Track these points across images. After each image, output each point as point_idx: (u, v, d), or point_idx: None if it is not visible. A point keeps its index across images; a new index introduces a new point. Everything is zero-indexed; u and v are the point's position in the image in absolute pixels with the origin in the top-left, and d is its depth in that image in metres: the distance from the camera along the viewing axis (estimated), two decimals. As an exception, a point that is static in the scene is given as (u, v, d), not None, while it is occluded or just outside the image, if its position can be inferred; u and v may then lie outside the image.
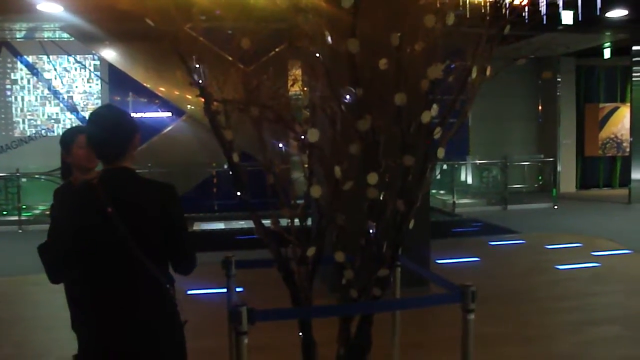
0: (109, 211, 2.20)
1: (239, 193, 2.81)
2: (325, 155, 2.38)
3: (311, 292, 2.88)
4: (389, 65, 2.37)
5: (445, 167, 14.33)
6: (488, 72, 2.75)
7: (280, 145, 2.89)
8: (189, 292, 6.67)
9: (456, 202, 13.43)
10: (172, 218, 2.31)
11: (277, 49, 3.74)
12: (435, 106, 2.43)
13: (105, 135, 2.32)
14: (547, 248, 8.89)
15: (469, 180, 15.81)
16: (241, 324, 2.36)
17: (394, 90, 2.31)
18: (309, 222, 2.82)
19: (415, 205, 2.52)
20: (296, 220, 2.78)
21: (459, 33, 2.66)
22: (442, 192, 14.67)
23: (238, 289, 5.97)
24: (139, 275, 2.28)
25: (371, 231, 2.56)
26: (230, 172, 2.85)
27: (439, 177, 15.00)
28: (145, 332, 2.30)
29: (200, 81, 2.85)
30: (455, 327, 2.76)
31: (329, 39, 2.18)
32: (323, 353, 2.92)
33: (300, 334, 2.91)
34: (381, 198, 2.51)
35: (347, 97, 2.24)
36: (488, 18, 2.81)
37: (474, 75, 2.47)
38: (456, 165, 14.64)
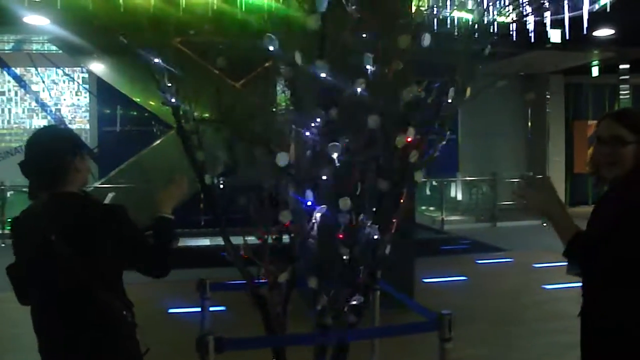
0: (52, 239, 2.10)
1: (207, 215, 2.73)
2: (296, 179, 2.30)
3: (286, 317, 2.79)
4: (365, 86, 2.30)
5: (434, 183, 14.30)
6: (468, 92, 2.70)
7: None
8: (170, 310, 6.57)
9: (445, 218, 13.37)
10: (121, 237, 2.21)
11: (265, 65, 3.68)
12: (411, 129, 2.36)
13: (36, 164, 2.22)
14: (535, 267, 8.82)
15: (459, 197, 15.77)
16: (208, 353, 2.27)
17: (368, 112, 2.24)
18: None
19: (390, 231, 2.44)
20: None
21: (440, 51, 2.60)
22: (431, 208, 14.61)
23: (220, 309, 5.91)
24: (85, 304, 2.17)
25: (345, 257, 2.47)
26: (202, 194, 2.77)
27: (428, 193, 14.99)
28: None
29: (173, 100, 2.78)
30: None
31: (299, 59, 2.10)
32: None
33: (274, 360, 2.82)
34: (355, 223, 2.42)
35: (318, 119, 2.17)
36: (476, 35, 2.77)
37: (450, 96, 2.40)
38: (445, 182, 14.60)
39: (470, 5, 3.28)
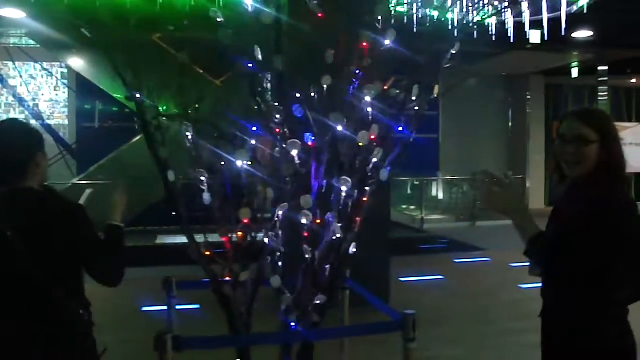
0: (8, 235, 2.05)
1: (173, 213, 2.69)
2: (257, 176, 2.26)
3: (251, 317, 2.75)
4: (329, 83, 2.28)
5: (416, 182, 14.34)
6: (435, 90, 2.68)
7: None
8: (144, 309, 6.50)
9: (425, 217, 13.40)
10: (79, 237, 2.17)
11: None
12: (375, 126, 2.33)
13: None
14: (512, 266, 8.85)
15: (439, 196, 15.82)
16: (166, 352, 2.23)
17: (331, 109, 2.21)
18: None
19: (353, 229, 2.42)
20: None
21: (407, 49, 2.58)
22: (411, 207, 14.65)
23: (194, 307, 5.85)
24: (40, 301, 2.13)
25: (308, 256, 2.44)
26: (166, 192, 2.72)
27: (409, 192, 15.03)
28: None
29: (138, 95, 2.73)
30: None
31: (259, 54, 2.07)
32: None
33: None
34: (318, 222, 2.39)
35: (277, 116, 2.13)
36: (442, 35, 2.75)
37: (414, 93, 2.38)
38: (426, 181, 14.64)
39: (448, 4, 3.26)
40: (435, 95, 2.67)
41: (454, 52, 2.72)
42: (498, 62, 13.82)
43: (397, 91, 2.43)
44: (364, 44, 2.19)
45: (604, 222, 1.98)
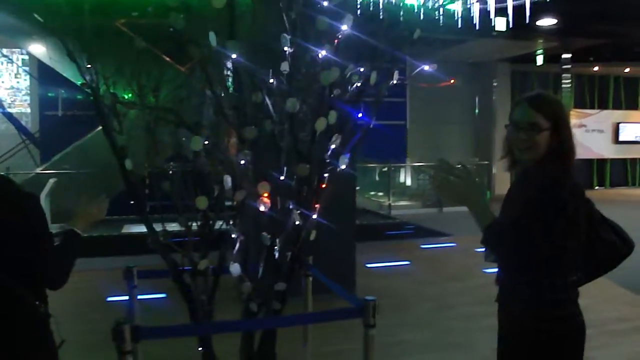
0: None
1: (132, 202, 2.66)
2: (212, 163, 2.24)
3: (212, 306, 2.74)
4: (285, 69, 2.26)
5: (384, 169, 14.40)
6: (395, 76, 2.68)
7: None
8: (109, 299, 6.42)
9: (392, 204, 13.49)
10: (28, 229, 2.12)
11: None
12: (333, 112, 2.32)
13: None
14: (477, 251, 8.96)
15: (407, 183, 15.95)
16: (124, 342, 2.20)
17: (288, 96, 2.19)
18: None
19: (312, 216, 2.41)
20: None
21: (363, 37, 2.58)
22: (379, 194, 14.72)
23: (160, 295, 5.80)
24: None
25: (267, 244, 2.43)
26: (124, 180, 2.68)
27: (377, 179, 15.10)
28: (2, 353, 2.11)
29: (92, 81, 2.68)
30: (381, 335, 2.64)
31: (214, 40, 2.04)
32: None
33: (200, 349, 2.77)
34: (277, 208, 2.39)
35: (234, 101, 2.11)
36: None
37: (372, 79, 2.37)
38: (393, 168, 14.72)
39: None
40: (395, 82, 2.67)
41: (415, 37, 2.73)
42: (464, 49, 13.93)
43: (357, 77, 2.42)
44: (321, 29, 2.17)
45: (555, 207, 2.01)
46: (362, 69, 2.56)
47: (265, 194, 2.24)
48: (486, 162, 15.88)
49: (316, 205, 2.42)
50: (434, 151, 15.82)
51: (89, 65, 2.64)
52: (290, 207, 2.40)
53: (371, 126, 2.59)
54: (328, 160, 2.38)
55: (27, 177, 12.05)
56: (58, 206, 9.93)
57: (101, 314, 5.93)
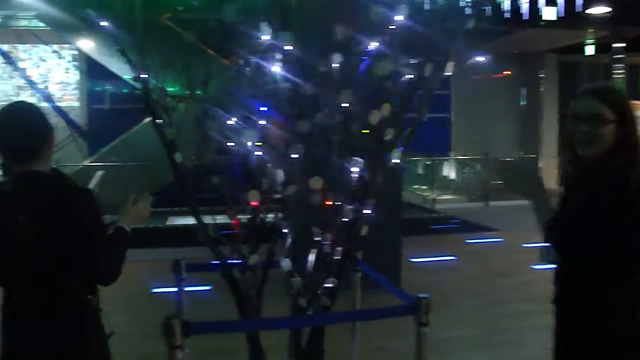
0: (20, 219, 2.01)
1: (181, 194, 2.65)
2: (265, 157, 2.21)
3: (260, 300, 2.72)
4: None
5: (427, 162, 14.23)
6: (450, 68, 2.60)
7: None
8: (155, 290, 6.51)
9: (437, 198, 13.31)
10: (85, 225, 2.12)
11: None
12: (386, 105, 2.26)
13: (14, 135, 2.12)
14: (525, 247, 8.77)
15: (451, 176, 15.70)
16: (174, 337, 2.20)
17: (342, 88, 2.14)
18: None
19: (364, 212, 2.36)
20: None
21: (417, 28, 2.51)
22: (423, 187, 14.55)
23: (206, 288, 5.84)
24: (50, 286, 2.10)
25: (318, 239, 2.39)
26: (174, 173, 2.68)
27: (420, 172, 14.92)
28: (57, 346, 2.13)
29: (144, 76, 2.68)
30: None
31: (266, 32, 2.00)
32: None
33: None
34: (329, 204, 2.34)
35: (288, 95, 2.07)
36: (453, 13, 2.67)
37: (427, 71, 2.30)
38: (437, 161, 14.52)
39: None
40: (449, 73, 2.59)
41: (467, 29, 2.65)
42: (511, 40, 13.59)
43: (409, 69, 2.35)
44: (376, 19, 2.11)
45: (622, 203, 1.91)
46: (412, 61, 2.49)
47: (318, 189, 2.20)
48: (532, 156, 15.51)
49: (369, 200, 2.36)
50: (479, 144, 15.54)
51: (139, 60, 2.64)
52: (342, 202, 2.35)
53: (425, 119, 2.52)
54: (381, 154, 2.32)
55: (75, 169, 12.33)
56: (104, 196, 10.14)
57: (147, 305, 6.01)
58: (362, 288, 3.72)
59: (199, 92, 2.69)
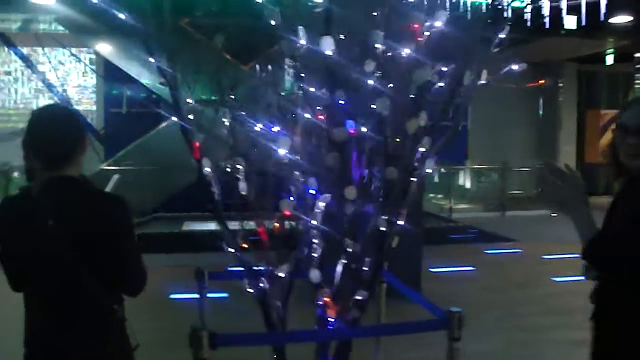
0: (49, 224, 1.96)
1: (208, 201, 2.60)
2: (299, 165, 2.15)
3: (286, 311, 2.65)
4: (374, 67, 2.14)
5: (443, 170, 14.11)
6: (484, 77, 2.53)
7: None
8: (172, 296, 6.46)
9: (453, 207, 13.20)
10: (117, 233, 2.07)
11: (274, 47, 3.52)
12: (423, 114, 2.20)
13: (49, 138, 2.07)
14: (544, 258, 8.66)
15: (467, 185, 15.57)
16: (201, 350, 2.14)
17: (377, 96, 2.08)
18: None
19: (398, 223, 2.29)
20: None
21: (453, 35, 2.44)
22: (439, 196, 14.43)
23: (222, 295, 5.79)
24: (77, 295, 2.05)
25: (350, 250, 2.32)
26: (199, 180, 2.62)
27: (436, 180, 14.80)
28: (79, 355, 2.07)
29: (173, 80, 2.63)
30: (445, 344, 2.49)
31: (303, 36, 1.94)
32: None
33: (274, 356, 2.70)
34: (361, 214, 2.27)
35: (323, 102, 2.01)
36: (489, 20, 2.60)
37: (466, 79, 2.23)
38: (454, 170, 14.41)
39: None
40: (485, 82, 2.52)
41: (502, 36, 2.59)
42: (530, 48, 13.46)
43: (447, 77, 2.29)
44: (414, 25, 2.05)
45: None
46: (445, 68, 2.43)
47: (351, 199, 2.14)
48: (568, 168, 15.29)
49: (402, 211, 2.29)
50: (495, 153, 15.39)
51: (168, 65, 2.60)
52: (374, 211, 2.29)
53: (460, 129, 2.45)
54: (416, 164, 2.25)
55: (92, 172, 12.36)
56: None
57: (166, 312, 5.97)
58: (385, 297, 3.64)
59: (228, 97, 2.64)
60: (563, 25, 10.78)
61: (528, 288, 7.08)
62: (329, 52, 1.89)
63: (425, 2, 2.31)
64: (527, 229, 10.97)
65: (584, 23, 10.08)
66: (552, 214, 13.07)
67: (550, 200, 2.05)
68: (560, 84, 16.42)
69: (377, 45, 2.00)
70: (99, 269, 2.04)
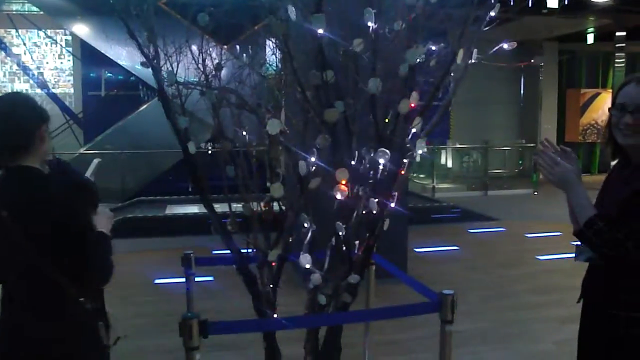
0: (2, 215, 1.90)
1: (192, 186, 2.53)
2: (288, 148, 2.09)
3: (275, 297, 2.61)
4: (364, 46, 2.08)
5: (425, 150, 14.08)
6: (474, 56, 2.49)
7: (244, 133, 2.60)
8: (157, 281, 6.40)
9: (436, 186, 13.23)
10: (74, 225, 2.00)
11: (256, 27, 3.43)
12: (415, 94, 2.15)
13: (4, 130, 2.01)
14: (528, 237, 8.72)
15: (449, 165, 15.61)
16: (191, 338, 2.09)
17: (368, 76, 2.02)
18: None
19: (389, 204, 2.25)
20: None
21: (443, 14, 2.39)
22: (421, 176, 14.44)
23: (208, 278, 5.74)
24: (36, 288, 2.00)
25: (341, 233, 2.27)
26: (185, 163, 2.55)
27: (418, 160, 14.79)
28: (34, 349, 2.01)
29: (155, 61, 2.55)
30: (433, 324, 2.48)
31: (293, 14, 1.87)
32: (290, 354, 2.68)
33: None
34: (352, 196, 2.22)
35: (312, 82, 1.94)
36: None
37: (459, 59, 2.18)
38: (436, 149, 14.42)
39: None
40: (474, 61, 2.48)
41: (493, 14, 2.54)
42: (511, 27, 13.43)
43: (439, 57, 2.24)
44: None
45: None
46: (434, 47, 2.37)
47: (343, 182, 2.08)
48: (532, 145, 15.41)
49: (394, 193, 2.25)
50: (477, 133, 15.43)
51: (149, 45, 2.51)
52: (366, 194, 2.24)
53: (450, 109, 2.40)
54: (408, 145, 2.20)
55: (71, 157, 12.17)
56: (102, 184, 9.98)
57: (150, 296, 5.90)
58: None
59: (212, 79, 2.56)
60: (545, 3, 10.76)
61: (513, 267, 7.12)
62: (320, 31, 1.82)
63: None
64: (510, 208, 11.02)
65: (566, 2, 10.05)
66: (534, 192, 13.20)
67: (548, 174, 2.02)
68: (541, 64, 16.44)
69: (369, 24, 1.93)
70: (59, 260, 1.97)
